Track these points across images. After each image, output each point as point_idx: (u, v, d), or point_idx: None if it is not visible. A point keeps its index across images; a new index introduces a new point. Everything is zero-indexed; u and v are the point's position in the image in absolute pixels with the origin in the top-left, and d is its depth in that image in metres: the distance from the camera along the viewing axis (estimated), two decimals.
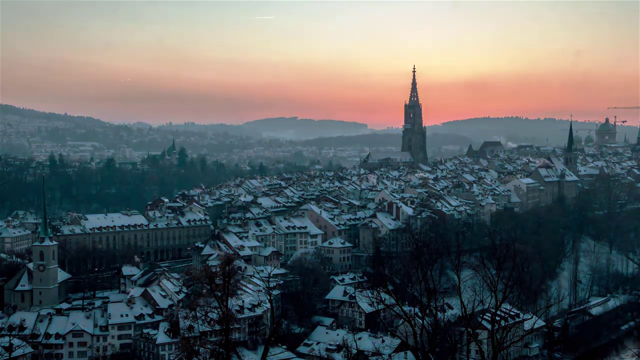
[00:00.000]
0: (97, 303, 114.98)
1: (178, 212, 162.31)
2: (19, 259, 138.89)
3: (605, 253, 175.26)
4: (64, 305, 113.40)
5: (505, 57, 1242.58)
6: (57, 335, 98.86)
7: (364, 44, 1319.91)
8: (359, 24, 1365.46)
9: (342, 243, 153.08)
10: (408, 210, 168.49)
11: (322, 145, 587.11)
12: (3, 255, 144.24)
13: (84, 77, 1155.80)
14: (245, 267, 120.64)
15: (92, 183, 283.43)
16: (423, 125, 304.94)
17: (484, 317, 66.67)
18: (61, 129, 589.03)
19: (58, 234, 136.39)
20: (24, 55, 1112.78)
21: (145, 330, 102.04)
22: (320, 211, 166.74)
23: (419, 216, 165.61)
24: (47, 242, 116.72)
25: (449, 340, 37.18)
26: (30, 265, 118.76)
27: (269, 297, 51.07)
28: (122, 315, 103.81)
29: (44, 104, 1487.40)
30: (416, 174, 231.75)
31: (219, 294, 49.90)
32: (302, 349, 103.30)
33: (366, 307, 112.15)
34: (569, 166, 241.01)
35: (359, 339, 78.32)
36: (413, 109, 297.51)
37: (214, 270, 54.51)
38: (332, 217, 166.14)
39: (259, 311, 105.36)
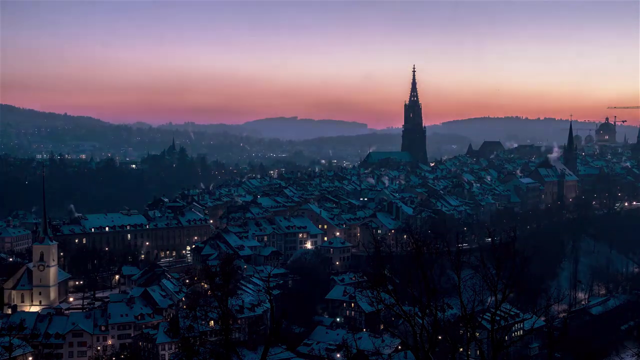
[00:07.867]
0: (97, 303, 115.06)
1: (178, 212, 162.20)
2: (19, 259, 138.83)
3: (605, 253, 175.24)
4: (64, 305, 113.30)
5: (506, 56, 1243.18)
6: (57, 335, 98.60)
7: (364, 44, 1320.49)
8: (359, 24, 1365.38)
9: (342, 243, 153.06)
10: (408, 210, 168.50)
11: (322, 145, 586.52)
12: (3, 255, 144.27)
13: (84, 76, 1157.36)
14: (245, 267, 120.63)
15: (92, 183, 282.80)
16: (423, 125, 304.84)
17: (484, 317, 66.59)
18: (61, 129, 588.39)
19: (58, 233, 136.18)
20: (25, 55, 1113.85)
21: (145, 330, 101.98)
22: (320, 211, 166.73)
23: (418, 216, 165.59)
24: (47, 242, 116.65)
25: (449, 340, 37.09)
26: (30, 265, 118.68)
27: (269, 297, 50.91)
28: (122, 315, 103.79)
29: (44, 104, 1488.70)
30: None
31: (219, 293, 49.94)
32: (302, 348, 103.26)
33: (366, 307, 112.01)
34: (569, 166, 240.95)
35: (359, 339, 78.05)
36: (413, 109, 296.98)
37: (214, 270, 54.62)
38: (332, 217, 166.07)
39: (259, 311, 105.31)
